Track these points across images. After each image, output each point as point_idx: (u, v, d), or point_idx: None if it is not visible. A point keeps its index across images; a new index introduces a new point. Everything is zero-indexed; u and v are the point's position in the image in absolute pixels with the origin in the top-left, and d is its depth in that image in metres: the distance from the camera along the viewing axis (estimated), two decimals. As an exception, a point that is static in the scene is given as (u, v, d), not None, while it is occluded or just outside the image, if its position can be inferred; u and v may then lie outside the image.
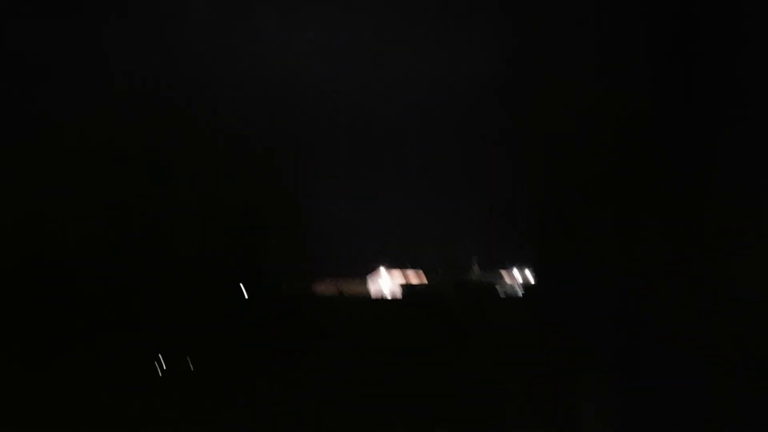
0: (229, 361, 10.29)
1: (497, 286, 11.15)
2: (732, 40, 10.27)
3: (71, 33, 11.44)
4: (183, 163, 11.40)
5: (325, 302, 10.89)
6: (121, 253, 11.16)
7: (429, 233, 11.61)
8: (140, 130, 11.18)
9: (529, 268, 11.30)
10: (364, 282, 11.33)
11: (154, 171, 11.37)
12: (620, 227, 10.37)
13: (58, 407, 9.85)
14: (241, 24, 11.98)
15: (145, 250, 11.20)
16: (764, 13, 9.96)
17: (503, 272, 11.34)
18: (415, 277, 11.31)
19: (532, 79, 11.22)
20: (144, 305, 10.71)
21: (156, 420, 9.75)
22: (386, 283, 11.25)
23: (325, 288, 10.92)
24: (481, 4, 11.66)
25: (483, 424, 9.74)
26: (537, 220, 10.84)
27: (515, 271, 11.33)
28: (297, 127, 12.02)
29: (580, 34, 11.02)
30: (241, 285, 10.82)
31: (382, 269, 11.42)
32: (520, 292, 11.20)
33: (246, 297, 10.71)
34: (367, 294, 11.09)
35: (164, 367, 10.25)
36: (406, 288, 11.17)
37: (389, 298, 11.08)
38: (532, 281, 11.17)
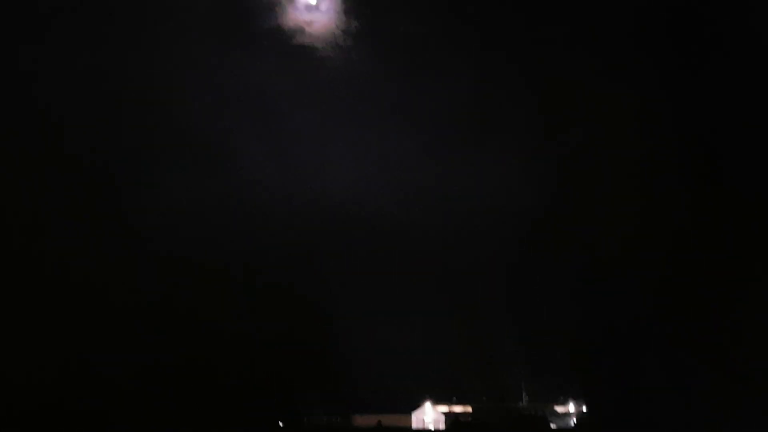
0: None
1: (548, 417, 10.64)
2: None
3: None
4: (224, 295, 11.59)
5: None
6: (162, 384, 11.29)
7: (475, 363, 11.35)
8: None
9: (581, 398, 10.79)
10: (408, 416, 11.03)
11: (193, 306, 11.57)
12: (672, 358, 10.11)
13: None
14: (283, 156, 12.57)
15: (185, 383, 11.26)
16: None
17: (554, 402, 10.84)
18: (461, 410, 10.93)
19: (576, 205, 11.25)
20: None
21: None
22: (430, 416, 10.90)
23: (364, 422, 10.65)
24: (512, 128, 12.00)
25: None
26: (589, 351, 10.56)
27: (568, 401, 10.81)
28: (343, 262, 12.19)
29: (619, 163, 11.24)
30: (279, 421, 10.72)
31: (427, 403, 11.11)
32: (572, 423, 10.65)
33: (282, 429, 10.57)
34: (410, 428, 10.75)
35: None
36: (451, 421, 10.78)
37: (433, 431, 10.72)
38: (585, 411, 10.63)
